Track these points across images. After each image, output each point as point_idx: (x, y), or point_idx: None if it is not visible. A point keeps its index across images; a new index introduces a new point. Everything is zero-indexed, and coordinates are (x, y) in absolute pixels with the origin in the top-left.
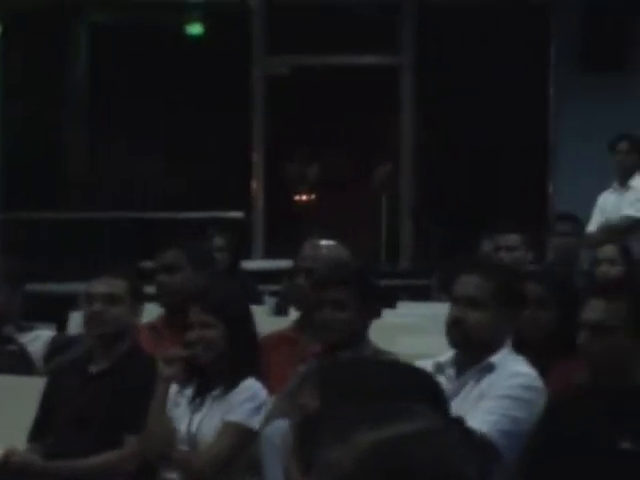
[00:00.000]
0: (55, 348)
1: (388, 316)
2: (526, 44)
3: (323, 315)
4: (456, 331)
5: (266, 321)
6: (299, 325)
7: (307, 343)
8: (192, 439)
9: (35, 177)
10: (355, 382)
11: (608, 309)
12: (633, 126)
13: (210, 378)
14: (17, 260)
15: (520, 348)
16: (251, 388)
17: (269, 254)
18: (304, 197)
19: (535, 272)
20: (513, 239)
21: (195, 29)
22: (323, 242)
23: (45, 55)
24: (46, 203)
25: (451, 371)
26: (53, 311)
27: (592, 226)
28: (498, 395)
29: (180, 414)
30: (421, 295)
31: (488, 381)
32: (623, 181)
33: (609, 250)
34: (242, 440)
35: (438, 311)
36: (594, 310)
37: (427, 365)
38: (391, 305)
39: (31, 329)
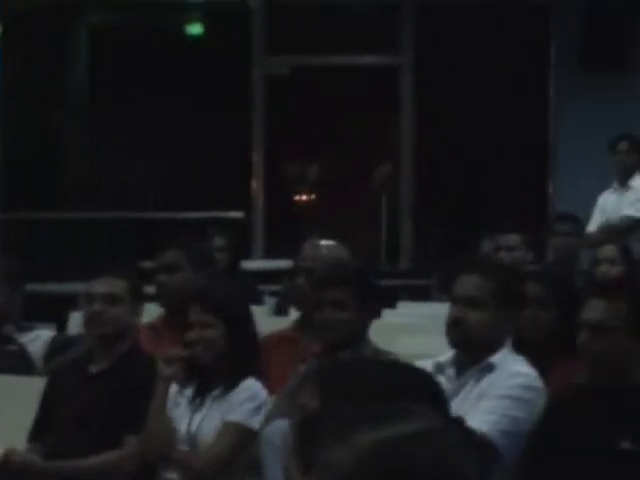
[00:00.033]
0: (55, 348)
1: (388, 316)
2: (526, 44)
3: (323, 315)
4: (456, 331)
5: (266, 321)
6: (299, 325)
7: (307, 343)
8: (192, 439)
9: (35, 177)
10: (355, 382)
11: (608, 309)
12: (633, 126)
13: (210, 378)
14: (17, 260)
15: (520, 348)
16: (251, 388)
17: (269, 254)
18: (304, 197)
19: (535, 272)
20: (513, 239)
21: (195, 29)
22: (323, 242)
23: (45, 55)
24: (46, 203)
25: (451, 371)
26: (53, 311)
27: (592, 226)
28: (498, 395)
29: (180, 414)
30: (421, 295)
31: (488, 381)
32: (623, 181)
33: (609, 250)
34: (242, 440)
35: (438, 311)
36: (594, 310)
37: (427, 365)
38: (391, 305)
39: (31, 329)
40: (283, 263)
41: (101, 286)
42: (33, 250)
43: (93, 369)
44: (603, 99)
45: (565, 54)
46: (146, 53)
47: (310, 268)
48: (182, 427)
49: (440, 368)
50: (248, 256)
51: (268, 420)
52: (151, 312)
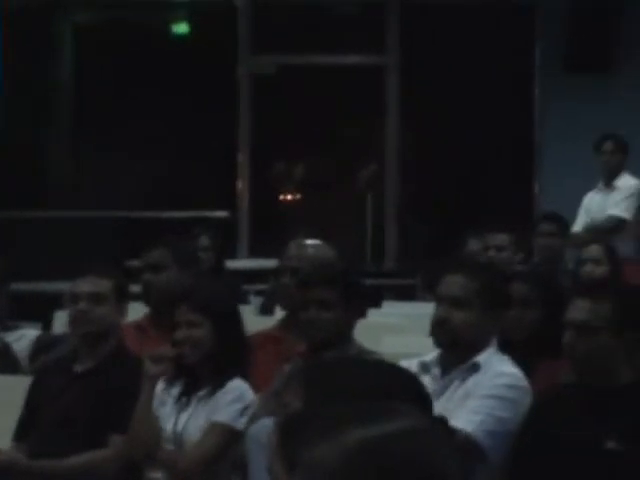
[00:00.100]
0: (40, 347)
1: (373, 316)
2: (511, 45)
3: (308, 315)
4: (441, 331)
5: (252, 320)
6: (284, 324)
7: (292, 342)
8: (178, 438)
9: (20, 176)
10: (340, 382)
11: (593, 309)
12: (618, 126)
13: (197, 377)
14: (2, 259)
15: (505, 348)
16: (238, 389)
17: (254, 253)
18: (289, 197)
19: (520, 272)
20: (502, 239)
21: (181, 28)
22: (309, 242)
23: (29, 54)
24: (31, 202)
25: (436, 371)
26: (38, 310)
27: (577, 226)
28: (483, 395)
29: (166, 413)
30: (406, 295)
31: (473, 381)
32: (608, 181)
33: (594, 250)
34: (228, 441)
35: (423, 311)
36: (579, 310)
37: (412, 364)
38: (376, 305)
39: (16, 328)
40: (268, 262)
41: (86, 285)
42: (18, 249)
43: (78, 368)
44: (588, 100)
45: (550, 55)
46: (131, 52)
47: (295, 268)
48: (168, 426)
49: (425, 368)
50: (233, 255)
51: (253, 419)
52: (137, 311)
